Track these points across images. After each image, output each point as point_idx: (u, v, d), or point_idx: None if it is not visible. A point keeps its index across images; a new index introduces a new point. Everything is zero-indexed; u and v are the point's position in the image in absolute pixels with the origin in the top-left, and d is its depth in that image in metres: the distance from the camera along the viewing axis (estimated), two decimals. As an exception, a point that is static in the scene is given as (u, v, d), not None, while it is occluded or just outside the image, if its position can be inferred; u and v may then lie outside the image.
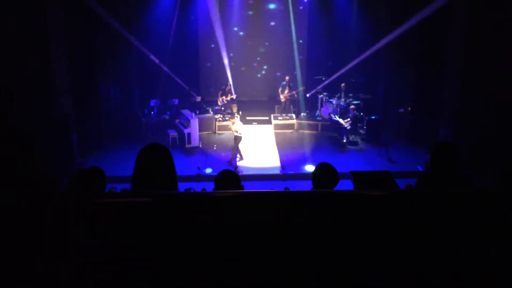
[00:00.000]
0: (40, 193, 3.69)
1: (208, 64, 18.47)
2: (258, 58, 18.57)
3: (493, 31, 11.32)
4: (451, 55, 12.82)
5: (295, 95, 17.16)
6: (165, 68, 16.95)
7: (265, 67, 18.63)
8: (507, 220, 1.85)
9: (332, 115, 15.64)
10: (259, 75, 18.70)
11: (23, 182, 3.43)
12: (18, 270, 1.79)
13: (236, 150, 13.30)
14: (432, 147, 4.05)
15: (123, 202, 1.89)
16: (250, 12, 18.17)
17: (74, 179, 3.33)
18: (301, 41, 18.31)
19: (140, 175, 3.00)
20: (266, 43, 18.46)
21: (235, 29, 18.22)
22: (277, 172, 12.97)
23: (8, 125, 3.54)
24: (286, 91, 16.83)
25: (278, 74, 17.99)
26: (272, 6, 18.15)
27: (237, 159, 13.38)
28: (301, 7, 18.16)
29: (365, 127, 15.54)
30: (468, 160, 10.99)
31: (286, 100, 16.97)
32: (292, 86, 16.89)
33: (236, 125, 13.23)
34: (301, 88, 17.05)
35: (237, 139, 13.17)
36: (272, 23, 18.23)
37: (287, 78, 16.94)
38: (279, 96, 17.03)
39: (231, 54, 18.07)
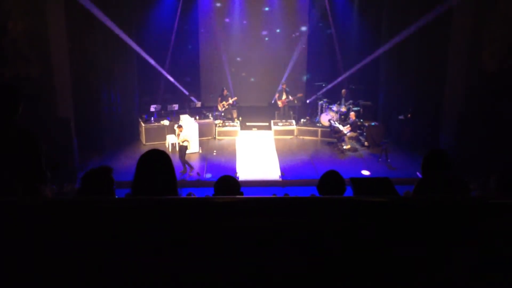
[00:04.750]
0: (41, 196, 3.70)
1: (252, 79, 18.62)
2: (258, 64, 18.60)
3: (496, 37, 11.34)
4: (452, 61, 12.83)
5: (295, 101, 17.17)
6: (165, 74, 16.99)
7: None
8: (506, 226, 1.85)
9: (332, 122, 15.66)
10: (252, 79, 18.66)
11: (26, 185, 3.44)
12: (19, 273, 1.80)
13: (184, 161, 12.83)
14: (424, 156, 4.07)
15: (125, 206, 1.90)
16: (250, 17, 18.23)
17: (84, 177, 3.33)
18: (304, 46, 18.36)
19: (141, 180, 3.02)
20: (266, 49, 18.50)
21: (236, 34, 18.28)
22: (277, 178, 12.95)
23: (12, 127, 3.55)
24: (283, 97, 16.86)
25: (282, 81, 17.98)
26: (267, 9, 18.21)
27: (189, 170, 12.92)
28: (301, 12, 18.23)
29: (365, 134, 15.56)
30: (469, 167, 10.97)
31: (284, 105, 17.01)
32: (288, 91, 16.91)
33: (183, 133, 13.05)
34: (298, 95, 17.07)
35: (183, 149, 12.85)
36: (273, 27, 18.28)
37: (283, 84, 16.98)
38: (276, 102, 17.10)
39: (234, 59, 18.12)
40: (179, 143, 13.03)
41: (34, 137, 3.57)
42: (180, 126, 13.27)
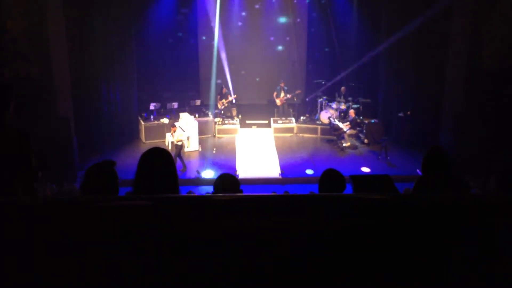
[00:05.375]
0: (40, 195, 3.70)
1: (257, 79, 18.66)
2: (257, 62, 18.59)
3: (495, 36, 11.34)
4: (452, 60, 12.83)
5: (294, 99, 17.16)
6: (165, 72, 16.97)
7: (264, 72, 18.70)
8: (506, 226, 1.85)
9: (331, 119, 15.66)
10: (258, 79, 18.68)
11: (23, 184, 3.44)
12: (19, 274, 1.80)
13: (177, 158, 12.79)
14: (425, 154, 4.08)
15: (126, 205, 1.90)
16: (249, 15, 18.22)
17: (88, 171, 3.33)
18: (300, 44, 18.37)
19: (142, 179, 3.03)
20: (265, 47, 18.49)
21: (235, 32, 18.27)
22: (277, 175, 12.96)
23: (6, 127, 3.55)
24: (282, 95, 16.85)
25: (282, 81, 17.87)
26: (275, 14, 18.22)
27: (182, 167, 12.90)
28: (301, 9, 18.22)
29: (364, 131, 15.56)
30: (468, 165, 10.98)
31: (283, 103, 17.00)
32: (287, 89, 16.91)
33: (177, 133, 13.08)
34: (297, 92, 17.03)
35: (178, 147, 12.95)
36: (272, 25, 18.28)
37: (282, 82, 16.98)
38: (275, 101, 17.10)
39: (231, 60, 18.11)
40: (174, 142, 13.03)
41: (24, 137, 3.57)
42: (173, 126, 13.28)
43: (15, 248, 1.78)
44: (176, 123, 14.34)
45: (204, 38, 18.22)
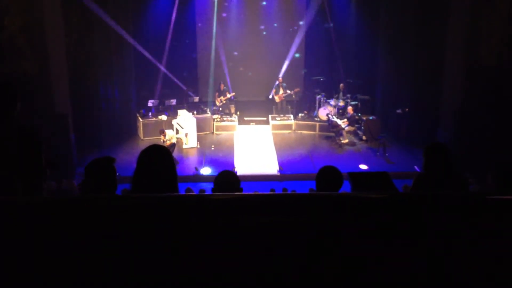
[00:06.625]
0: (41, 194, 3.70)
1: (250, 73, 18.53)
2: (256, 59, 18.56)
3: (493, 32, 11.33)
4: (450, 55, 12.83)
5: (293, 96, 17.14)
6: (163, 68, 16.97)
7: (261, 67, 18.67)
8: (504, 223, 1.86)
9: (330, 116, 15.65)
10: (250, 74, 18.61)
11: (25, 182, 3.44)
12: (18, 272, 1.80)
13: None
14: (425, 148, 4.07)
15: (125, 203, 1.90)
16: (248, 11, 18.19)
17: (88, 167, 3.33)
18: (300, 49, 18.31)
19: (141, 176, 3.03)
20: (264, 44, 18.47)
21: (234, 28, 18.24)
22: (275, 172, 12.96)
23: (11, 124, 3.56)
24: (280, 92, 16.83)
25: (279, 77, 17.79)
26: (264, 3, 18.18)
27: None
28: (299, 6, 18.20)
29: (362, 128, 15.56)
30: (466, 162, 10.99)
31: (282, 100, 16.98)
32: (285, 86, 16.87)
33: (168, 136, 13.14)
34: (295, 90, 16.97)
35: (172, 147, 13.02)
36: (270, 21, 18.25)
37: (279, 79, 16.96)
38: (273, 98, 17.07)
39: (232, 53, 18.09)
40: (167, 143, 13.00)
41: (35, 135, 3.59)
42: (162, 132, 13.27)
43: (15, 248, 1.78)
44: (167, 128, 14.23)
45: (202, 33, 18.19)
